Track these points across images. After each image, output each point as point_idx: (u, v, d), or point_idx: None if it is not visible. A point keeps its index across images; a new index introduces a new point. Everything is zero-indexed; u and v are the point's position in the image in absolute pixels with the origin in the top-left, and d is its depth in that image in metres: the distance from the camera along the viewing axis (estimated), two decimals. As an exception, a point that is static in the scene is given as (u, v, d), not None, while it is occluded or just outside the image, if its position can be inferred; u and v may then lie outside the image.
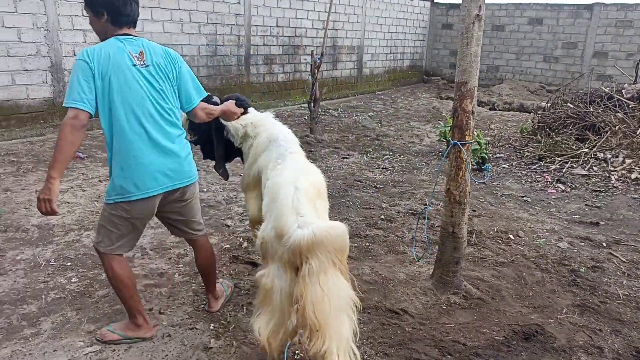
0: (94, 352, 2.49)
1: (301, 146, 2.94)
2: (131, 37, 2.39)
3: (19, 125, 6.89)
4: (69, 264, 3.42)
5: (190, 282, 3.26)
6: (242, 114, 3.03)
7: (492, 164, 6.58)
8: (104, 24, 2.35)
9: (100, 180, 5.18)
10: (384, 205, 4.82)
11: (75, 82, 2.21)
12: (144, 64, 2.37)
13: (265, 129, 2.96)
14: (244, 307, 2.95)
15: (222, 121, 3.01)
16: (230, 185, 5.22)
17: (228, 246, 3.81)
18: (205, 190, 5.02)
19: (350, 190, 5.31)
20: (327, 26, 7.72)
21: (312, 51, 7.95)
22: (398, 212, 4.64)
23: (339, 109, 10.62)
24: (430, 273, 3.38)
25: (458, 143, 3.05)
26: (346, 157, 6.82)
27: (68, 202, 4.51)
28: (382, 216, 4.52)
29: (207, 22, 9.06)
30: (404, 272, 3.48)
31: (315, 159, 6.55)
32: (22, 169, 5.42)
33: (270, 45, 10.50)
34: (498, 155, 7.11)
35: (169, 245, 3.77)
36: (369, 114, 10.37)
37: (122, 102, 2.29)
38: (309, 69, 11.43)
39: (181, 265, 3.46)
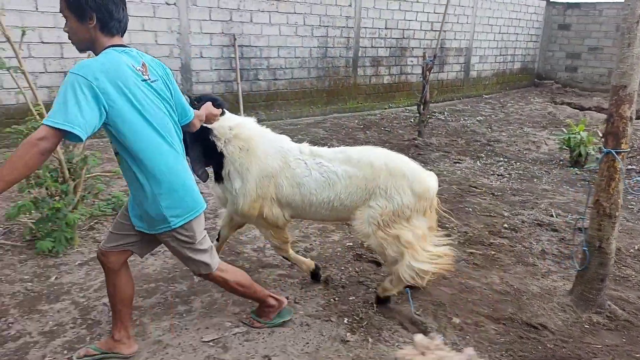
0: (240, 332, 2.67)
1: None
2: (127, 48, 2.07)
3: (151, 120, 7.57)
4: (207, 249, 3.68)
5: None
6: (220, 114, 2.80)
7: (625, 176, 6.01)
8: (90, 31, 1.98)
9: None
10: (505, 214, 4.62)
11: (70, 99, 1.80)
12: (150, 78, 2.09)
13: (250, 131, 2.84)
14: (374, 305, 2.99)
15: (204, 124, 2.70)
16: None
17: (351, 244, 3.89)
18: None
19: (466, 196, 5.16)
20: (442, 27, 7.57)
21: (423, 53, 7.85)
22: (522, 222, 4.42)
23: (445, 112, 10.36)
24: (569, 289, 3.18)
25: (612, 151, 2.85)
26: (458, 162, 6.63)
27: (202, 192, 4.86)
28: (505, 225, 4.33)
29: (320, 25, 9.31)
30: (536, 285, 3.31)
31: (426, 162, 6.45)
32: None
33: (377, 47, 10.53)
34: (630, 166, 6.50)
35: (295, 239, 3.93)
36: (477, 118, 10.00)
37: (149, 124, 2.03)
38: (415, 72, 11.37)
39: (308, 259, 3.58)
